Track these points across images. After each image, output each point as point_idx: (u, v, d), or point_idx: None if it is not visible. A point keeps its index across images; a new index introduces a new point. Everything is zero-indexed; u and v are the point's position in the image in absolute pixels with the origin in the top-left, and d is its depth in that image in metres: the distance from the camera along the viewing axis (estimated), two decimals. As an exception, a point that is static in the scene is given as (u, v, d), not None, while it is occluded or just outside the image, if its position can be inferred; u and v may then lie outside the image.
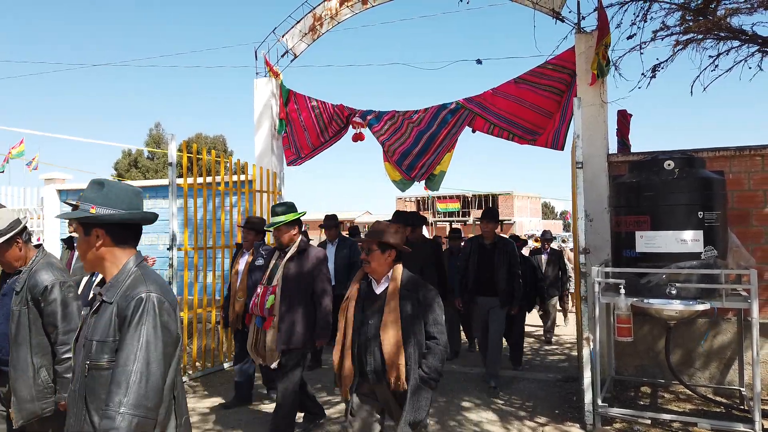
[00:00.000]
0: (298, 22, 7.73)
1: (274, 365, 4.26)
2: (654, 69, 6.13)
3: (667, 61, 6.16)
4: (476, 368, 6.68)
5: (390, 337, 2.94)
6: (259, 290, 4.43)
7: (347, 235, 8.36)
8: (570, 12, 6.27)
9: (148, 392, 1.76)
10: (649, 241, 4.65)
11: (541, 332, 9.04)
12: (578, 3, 6.20)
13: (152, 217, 2.06)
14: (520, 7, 6.58)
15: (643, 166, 4.92)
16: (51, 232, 10.26)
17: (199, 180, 6.57)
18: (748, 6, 5.50)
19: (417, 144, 7.30)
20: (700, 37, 5.86)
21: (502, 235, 6.50)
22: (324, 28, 7.69)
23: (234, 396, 5.40)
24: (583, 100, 5.57)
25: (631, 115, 6.58)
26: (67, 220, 1.95)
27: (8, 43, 74.92)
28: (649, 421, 4.69)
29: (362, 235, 11.50)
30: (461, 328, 7.99)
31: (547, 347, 8.39)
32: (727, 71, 6.11)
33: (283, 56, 7.87)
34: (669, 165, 4.65)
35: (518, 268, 5.98)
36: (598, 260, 5.38)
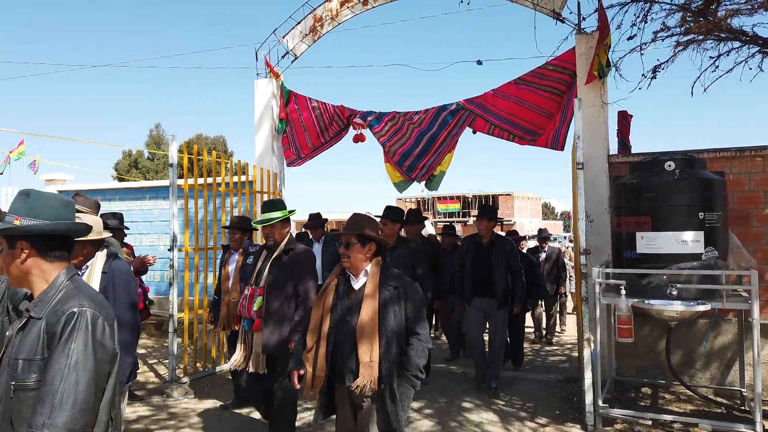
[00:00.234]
0: (299, 23, 7.73)
1: (262, 371, 4.10)
2: (654, 70, 6.14)
3: (667, 62, 6.17)
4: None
5: (366, 334, 2.78)
6: (246, 292, 4.26)
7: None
8: (570, 13, 6.28)
9: (74, 414, 1.63)
10: (649, 242, 4.65)
11: (533, 336, 8.83)
12: (578, 4, 6.22)
13: (82, 229, 1.94)
14: (520, 8, 6.59)
15: (644, 166, 4.92)
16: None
17: (200, 181, 6.57)
18: (749, 7, 5.51)
19: (418, 145, 7.31)
20: (700, 38, 5.87)
21: (499, 233, 6.41)
22: (324, 29, 7.69)
23: (234, 398, 5.40)
24: (584, 101, 5.57)
25: (631, 116, 6.58)
26: None
27: (9, 44, 74.95)
28: (650, 422, 4.69)
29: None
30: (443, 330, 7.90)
31: (548, 348, 8.39)
32: (727, 72, 6.12)
33: (283, 57, 7.88)
34: (670, 166, 4.65)
35: (519, 267, 5.83)
36: (598, 261, 5.38)
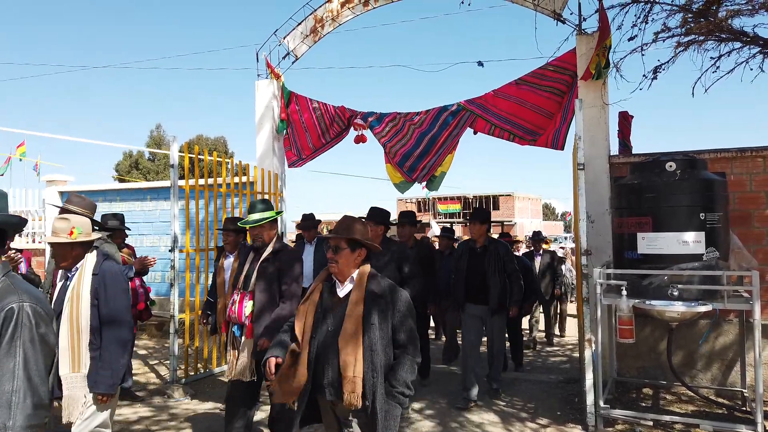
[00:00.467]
0: (300, 23, 7.74)
1: (248, 378, 3.96)
2: (655, 70, 6.13)
3: (668, 62, 6.16)
4: (479, 368, 6.67)
5: (349, 345, 2.58)
6: (235, 296, 4.12)
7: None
8: (571, 14, 6.29)
9: (35, 410, 1.63)
10: (650, 243, 4.65)
11: (526, 338, 8.44)
12: (579, 4, 6.22)
13: (14, 222, 1.84)
14: (521, 9, 6.59)
15: (645, 167, 4.92)
16: (52, 234, 10.26)
17: (201, 182, 6.58)
18: (750, 8, 5.51)
19: (418, 146, 7.31)
20: (701, 38, 5.86)
21: (493, 237, 6.18)
22: (325, 29, 7.70)
23: None
24: (585, 101, 5.57)
25: (632, 117, 6.59)
26: None
27: (9, 45, 75.03)
28: (651, 423, 4.69)
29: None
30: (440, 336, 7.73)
31: (548, 348, 8.38)
32: (728, 73, 6.11)
33: (284, 58, 7.89)
34: (670, 166, 4.65)
35: (516, 269, 5.59)
36: (599, 262, 5.38)
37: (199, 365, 6.47)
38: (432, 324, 8.80)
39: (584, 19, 6.20)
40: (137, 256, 5.79)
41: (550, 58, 6.59)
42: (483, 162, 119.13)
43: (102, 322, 3.18)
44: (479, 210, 5.83)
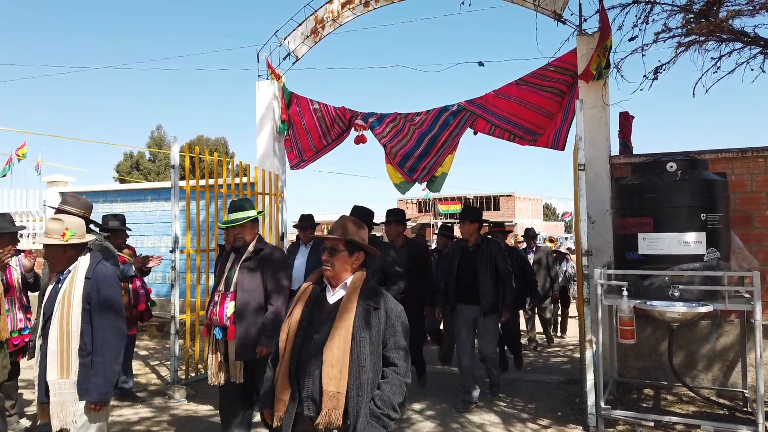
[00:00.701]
0: (300, 24, 7.74)
1: (239, 380, 3.88)
2: (656, 71, 6.13)
3: (668, 63, 6.16)
4: (477, 370, 6.66)
5: (334, 357, 2.36)
6: (216, 298, 4.00)
7: None
8: (572, 14, 6.29)
9: None
10: (651, 243, 4.64)
11: (526, 340, 8.30)
12: (580, 5, 6.22)
13: None
14: (521, 10, 6.59)
15: (646, 168, 4.92)
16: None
17: (201, 182, 6.58)
18: (750, 8, 5.51)
19: (419, 146, 7.31)
20: (702, 39, 5.86)
21: (487, 236, 6.10)
22: (326, 30, 7.70)
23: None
24: (585, 102, 5.57)
25: (633, 117, 6.59)
26: None
27: (9, 46, 75.11)
28: (652, 423, 4.69)
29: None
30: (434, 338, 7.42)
31: (549, 349, 8.38)
32: (729, 73, 6.11)
33: (285, 59, 7.89)
34: (671, 167, 4.65)
35: (508, 270, 5.39)
36: (600, 262, 5.38)
37: (199, 366, 6.47)
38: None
39: (585, 20, 6.21)
40: (138, 256, 5.79)
41: (550, 58, 6.60)
42: (484, 162, 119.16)
43: (94, 328, 3.06)
44: (468, 209, 5.65)
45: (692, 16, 5.76)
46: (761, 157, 5.54)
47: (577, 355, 7.15)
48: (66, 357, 3.02)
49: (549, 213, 74.85)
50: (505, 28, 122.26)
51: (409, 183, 7.61)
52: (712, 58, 6.08)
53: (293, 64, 7.93)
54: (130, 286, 5.56)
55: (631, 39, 5.96)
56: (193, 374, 6.29)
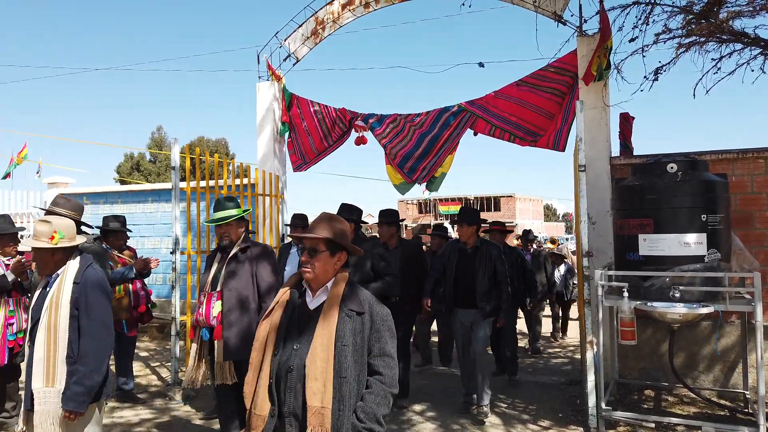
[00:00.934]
0: (301, 25, 7.75)
1: (231, 381, 3.83)
2: (656, 72, 6.13)
3: (669, 63, 6.15)
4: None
5: (318, 370, 2.17)
6: (202, 298, 3.95)
7: None
8: (572, 15, 6.28)
9: None
10: (652, 244, 4.64)
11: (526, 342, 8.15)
12: (580, 6, 6.21)
13: None
14: (522, 10, 6.59)
15: (646, 168, 4.92)
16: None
17: (202, 183, 6.58)
18: (751, 9, 5.50)
19: (419, 146, 7.31)
20: (702, 40, 5.85)
21: (486, 238, 5.99)
22: (326, 31, 7.71)
23: (215, 405, 5.35)
24: (586, 103, 5.57)
25: (633, 118, 6.59)
26: None
27: (10, 47, 75.18)
28: (653, 425, 4.69)
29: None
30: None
31: (550, 350, 8.37)
32: (729, 74, 6.10)
33: (285, 60, 7.89)
34: (672, 168, 4.64)
35: (505, 274, 5.23)
36: (601, 263, 5.37)
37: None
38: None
39: (585, 21, 6.21)
40: (138, 258, 5.79)
41: (551, 59, 6.59)
42: (484, 163, 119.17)
43: (81, 334, 2.95)
44: (466, 211, 5.42)
45: (692, 17, 5.76)
46: (762, 158, 5.54)
47: (578, 356, 7.15)
48: (52, 364, 2.91)
49: (549, 214, 74.87)
50: (506, 29, 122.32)
51: (408, 184, 7.60)
52: (712, 59, 6.09)
53: (293, 65, 7.94)
54: (131, 287, 5.56)
55: (632, 40, 5.96)
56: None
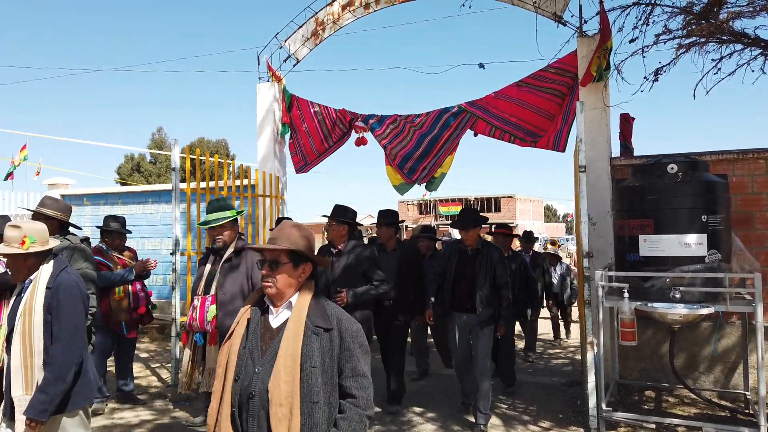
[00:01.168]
0: (301, 26, 7.75)
1: None
2: (656, 72, 6.13)
3: (669, 64, 6.16)
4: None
5: (282, 395, 1.97)
6: (196, 302, 3.87)
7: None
8: (572, 16, 6.28)
9: None
10: (652, 245, 4.64)
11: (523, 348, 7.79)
12: (580, 7, 6.21)
13: None
14: (522, 11, 6.59)
15: (646, 169, 4.92)
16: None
17: (202, 184, 6.58)
18: (751, 9, 5.51)
19: (419, 147, 7.31)
20: (702, 40, 5.86)
21: (488, 240, 5.89)
22: (326, 32, 7.71)
23: (203, 414, 5.34)
24: (586, 103, 5.57)
25: (633, 119, 6.59)
26: None
27: (10, 47, 75.28)
28: (653, 425, 4.68)
29: (365, 238, 10.87)
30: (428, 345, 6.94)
31: (550, 351, 8.36)
32: (729, 74, 6.11)
33: (285, 61, 7.90)
34: (672, 168, 4.64)
35: (506, 280, 5.01)
36: (601, 264, 5.37)
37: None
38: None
39: (585, 22, 6.21)
40: (138, 259, 5.79)
41: (551, 60, 6.59)
42: (484, 164, 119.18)
43: (52, 341, 2.85)
44: (467, 213, 5.20)
45: (692, 17, 5.76)
46: (762, 159, 5.53)
47: (579, 357, 7.14)
48: (30, 372, 2.83)
49: (550, 214, 74.89)
50: (506, 30, 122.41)
51: (408, 184, 7.61)
52: (712, 59, 6.09)
53: (294, 66, 7.95)
54: (131, 289, 5.56)
55: (632, 41, 5.96)
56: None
